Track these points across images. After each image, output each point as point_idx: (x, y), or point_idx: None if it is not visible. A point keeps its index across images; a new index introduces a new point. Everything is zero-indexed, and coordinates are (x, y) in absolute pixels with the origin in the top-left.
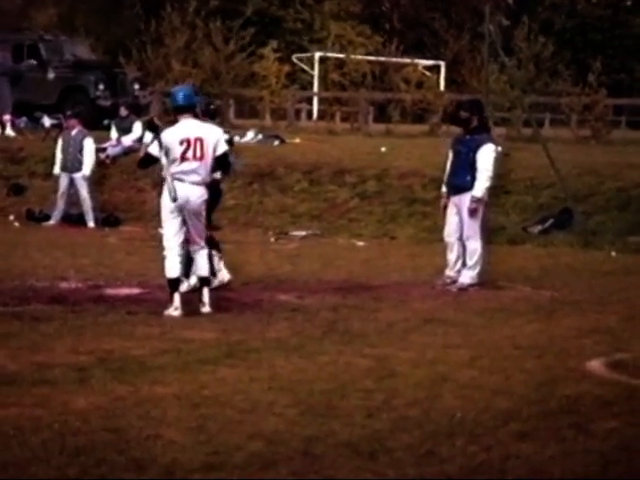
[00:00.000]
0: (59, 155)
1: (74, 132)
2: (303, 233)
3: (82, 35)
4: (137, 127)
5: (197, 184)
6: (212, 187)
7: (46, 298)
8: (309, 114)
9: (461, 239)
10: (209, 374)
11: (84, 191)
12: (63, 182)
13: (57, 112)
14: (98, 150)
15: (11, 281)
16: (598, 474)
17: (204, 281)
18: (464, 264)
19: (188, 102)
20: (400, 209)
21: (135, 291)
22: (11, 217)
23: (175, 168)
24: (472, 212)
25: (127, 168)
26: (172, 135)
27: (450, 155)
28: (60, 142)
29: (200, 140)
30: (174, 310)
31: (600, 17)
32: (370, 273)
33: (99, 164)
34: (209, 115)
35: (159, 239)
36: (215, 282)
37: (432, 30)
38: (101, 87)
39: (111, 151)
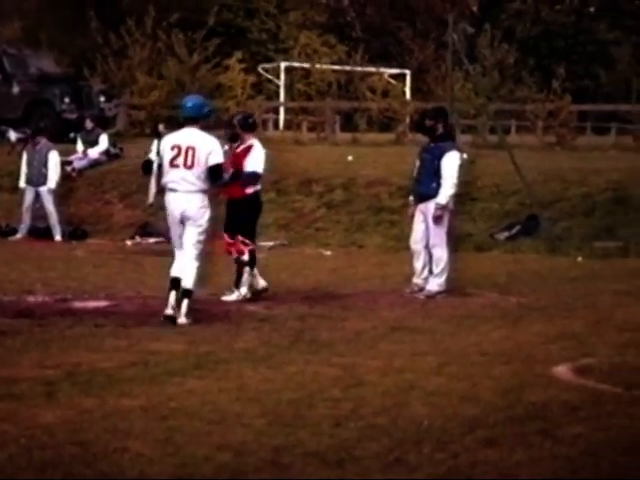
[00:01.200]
0: (24, 169)
1: (39, 146)
2: (271, 243)
3: (46, 48)
4: (103, 140)
5: (192, 192)
6: (252, 199)
7: (12, 312)
8: (276, 124)
9: (427, 247)
10: (177, 386)
11: (50, 205)
12: (28, 196)
13: (23, 126)
14: (64, 163)
15: None
16: (566, 479)
17: (185, 293)
18: (430, 272)
19: (195, 113)
20: (367, 218)
21: (102, 304)
22: None
23: (166, 176)
24: (436, 219)
25: (94, 181)
26: (166, 141)
27: (417, 163)
28: (25, 156)
29: (192, 149)
30: (170, 309)
31: (564, 24)
32: (338, 282)
33: (65, 177)
34: (248, 128)
35: (126, 251)
36: (235, 294)
37: (397, 39)
38: (66, 100)
39: (77, 164)
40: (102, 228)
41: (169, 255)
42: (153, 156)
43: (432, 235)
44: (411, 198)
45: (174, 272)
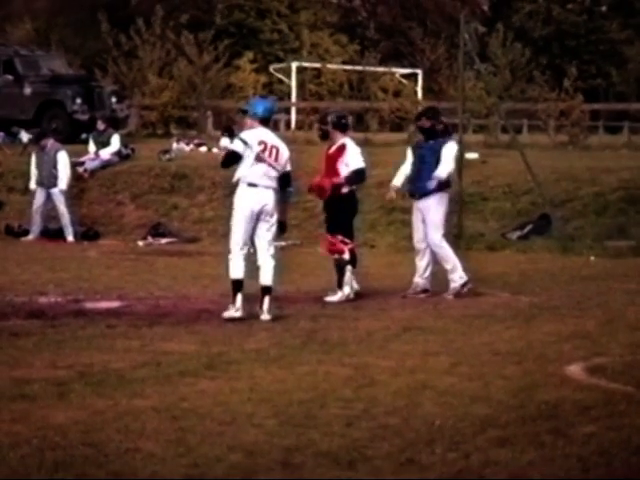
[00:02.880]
0: (34, 170)
1: (47, 147)
2: (282, 243)
3: (58, 49)
4: (115, 140)
5: (270, 188)
6: (347, 198)
7: (25, 313)
8: (287, 124)
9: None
10: (189, 386)
11: (62, 206)
12: (39, 197)
13: (34, 127)
14: (76, 164)
15: None
16: (578, 479)
17: (266, 290)
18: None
19: (269, 115)
20: (379, 218)
21: (114, 304)
22: None
23: (249, 169)
24: (433, 186)
25: (105, 182)
26: (252, 135)
27: (410, 159)
28: (34, 158)
29: (276, 148)
30: (235, 311)
31: (575, 23)
32: None
33: (77, 178)
34: (340, 128)
35: (138, 252)
36: (338, 295)
37: (408, 39)
38: (78, 101)
39: (89, 165)
40: (114, 229)
41: (181, 256)
42: (239, 148)
43: (430, 236)
44: (393, 184)
45: (238, 273)
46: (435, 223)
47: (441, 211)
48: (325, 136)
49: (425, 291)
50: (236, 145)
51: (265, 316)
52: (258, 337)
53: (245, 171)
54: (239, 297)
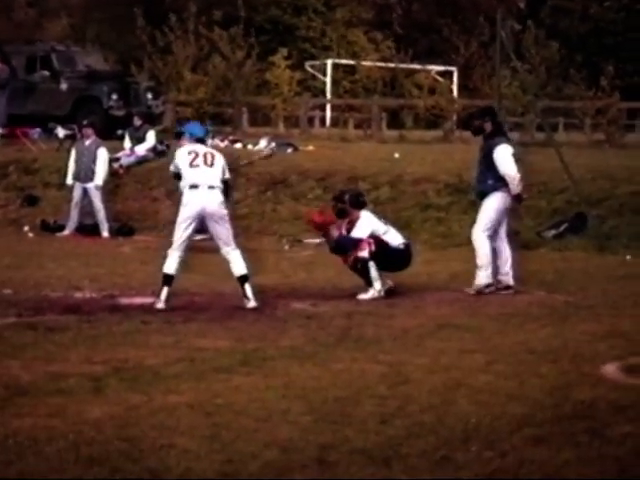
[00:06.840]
0: (72, 165)
1: (88, 142)
2: (317, 240)
3: (94, 45)
4: (150, 136)
5: (212, 188)
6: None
7: (60, 308)
8: (322, 121)
9: (497, 241)
10: (223, 382)
11: (98, 201)
12: (77, 192)
13: (70, 123)
14: (112, 160)
15: (26, 292)
16: (613, 479)
17: (244, 278)
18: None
19: (203, 135)
20: (414, 215)
21: (149, 300)
22: (25, 228)
23: (185, 179)
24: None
25: (141, 178)
26: (182, 150)
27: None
28: (74, 152)
29: (211, 154)
30: (160, 303)
31: (613, 20)
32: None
33: (113, 174)
34: (358, 206)
35: None
36: (370, 292)
37: (443, 36)
38: (114, 97)
39: (125, 161)
40: (149, 225)
41: (215, 252)
42: (172, 167)
43: (474, 228)
44: None
45: (170, 269)
46: (481, 218)
47: (492, 210)
48: (342, 213)
49: (507, 288)
50: (173, 167)
51: (251, 303)
52: (293, 334)
53: (184, 179)
54: (165, 290)
